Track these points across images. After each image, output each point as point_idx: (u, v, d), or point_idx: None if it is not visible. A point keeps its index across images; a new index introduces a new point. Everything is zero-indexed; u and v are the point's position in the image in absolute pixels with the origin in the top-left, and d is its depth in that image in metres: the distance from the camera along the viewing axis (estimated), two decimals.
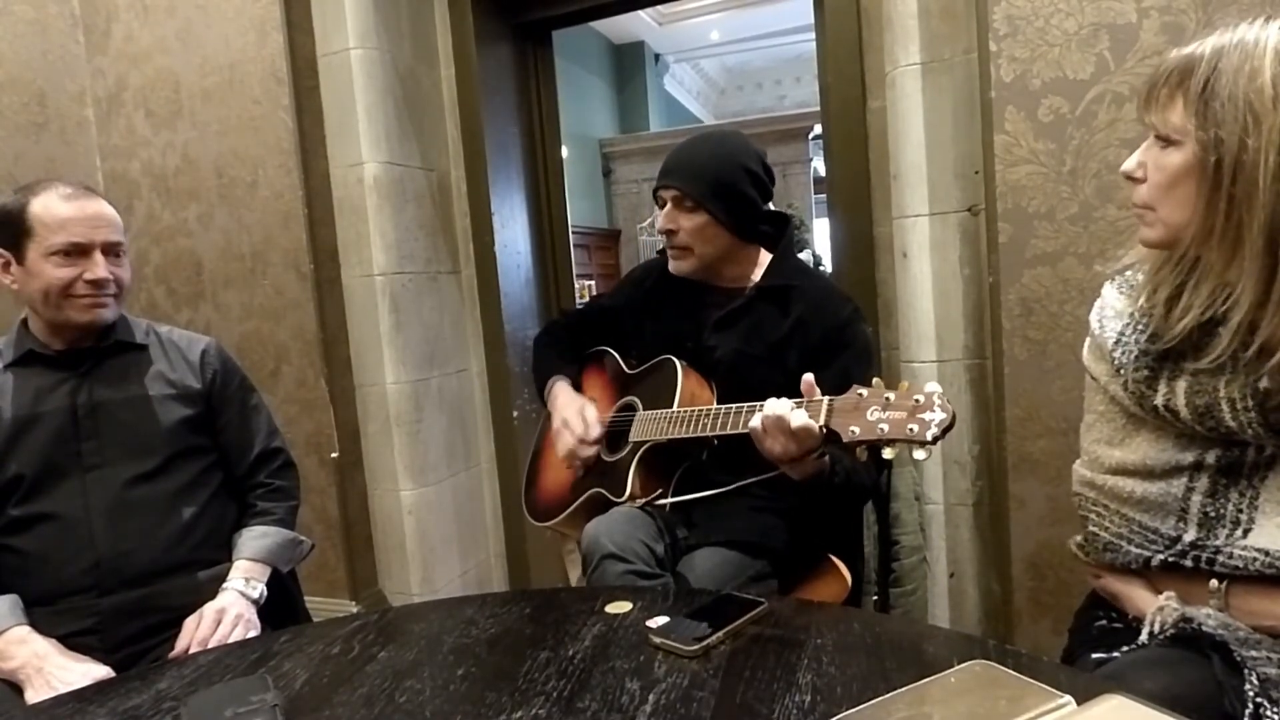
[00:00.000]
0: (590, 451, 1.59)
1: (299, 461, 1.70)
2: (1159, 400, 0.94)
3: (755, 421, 1.23)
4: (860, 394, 1.12)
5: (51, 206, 1.35)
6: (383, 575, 2.67)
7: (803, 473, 1.30)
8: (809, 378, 1.21)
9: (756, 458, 1.28)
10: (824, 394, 1.18)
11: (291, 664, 1.01)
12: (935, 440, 1.02)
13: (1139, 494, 0.97)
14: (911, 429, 1.04)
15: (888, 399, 1.08)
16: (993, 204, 1.78)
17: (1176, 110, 0.88)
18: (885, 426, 1.06)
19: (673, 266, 1.59)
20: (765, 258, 1.62)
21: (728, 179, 1.51)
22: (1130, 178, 0.97)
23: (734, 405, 1.33)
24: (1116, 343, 1.00)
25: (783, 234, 1.63)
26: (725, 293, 1.60)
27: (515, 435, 2.83)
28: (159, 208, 2.69)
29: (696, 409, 1.41)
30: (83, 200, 1.38)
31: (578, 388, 1.74)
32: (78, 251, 1.36)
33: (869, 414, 1.09)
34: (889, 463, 1.61)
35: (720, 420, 1.35)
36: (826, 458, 1.31)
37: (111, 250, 1.41)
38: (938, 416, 1.02)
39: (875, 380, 1.12)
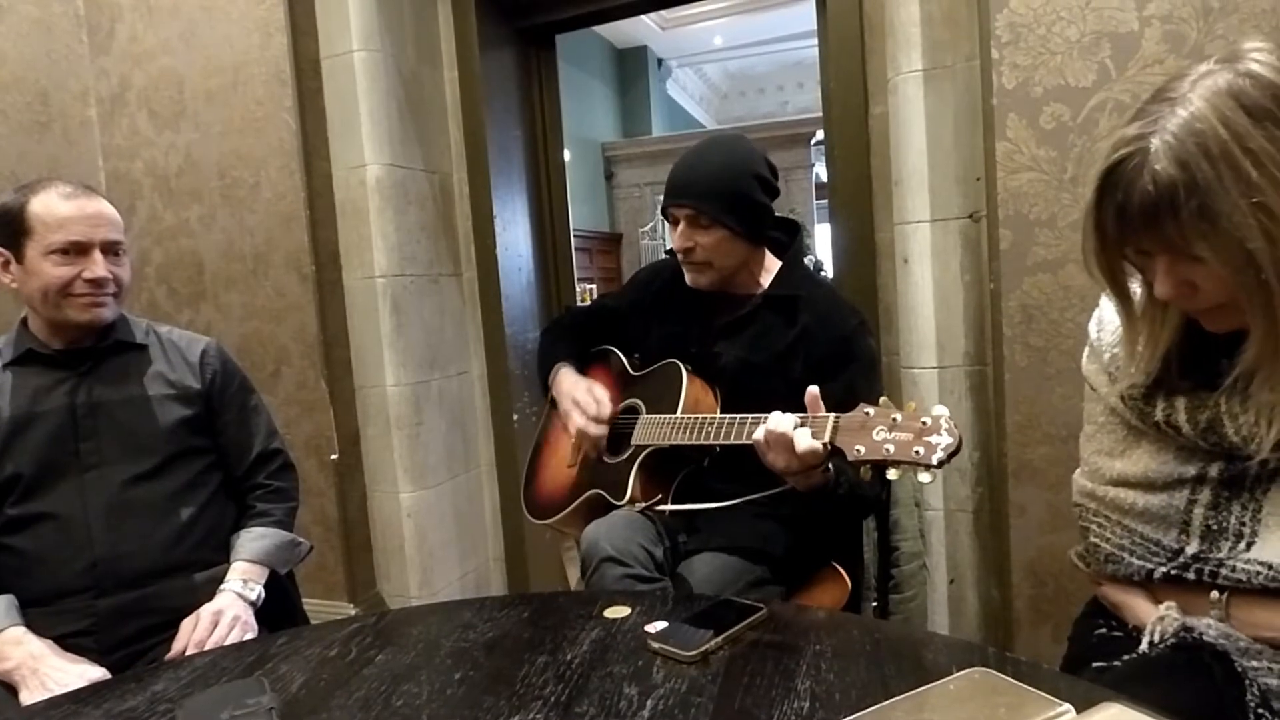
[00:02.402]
0: (601, 430, 1.57)
1: (298, 463, 1.70)
2: (1159, 416, 0.93)
3: (759, 434, 1.23)
4: (867, 413, 1.11)
5: (51, 205, 1.35)
6: (381, 578, 2.66)
7: (807, 484, 1.29)
8: (814, 391, 1.20)
9: (759, 467, 1.27)
10: (828, 407, 1.18)
11: (288, 666, 1.00)
12: (941, 464, 1.01)
13: (1140, 506, 0.96)
14: (917, 451, 1.03)
15: (894, 419, 1.07)
16: (994, 211, 1.78)
17: (1188, 239, 0.80)
18: (891, 447, 1.06)
19: (691, 281, 1.57)
20: (774, 264, 1.61)
21: (741, 190, 1.49)
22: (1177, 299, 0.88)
23: (738, 415, 1.32)
24: (1113, 358, 1.00)
25: (793, 241, 1.63)
26: (732, 299, 1.60)
27: (515, 438, 2.83)
28: (161, 208, 2.69)
29: (700, 416, 1.41)
30: (82, 199, 1.38)
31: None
32: (77, 250, 1.36)
33: (875, 434, 1.08)
34: None
35: (724, 430, 1.34)
36: (830, 469, 1.31)
37: (111, 249, 1.41)
38: (944, 440, 1.02)
39: (883, 399, 1.11)
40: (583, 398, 1.59)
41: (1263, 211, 0.76)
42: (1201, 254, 0.79)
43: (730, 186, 1.48)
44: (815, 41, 2.49)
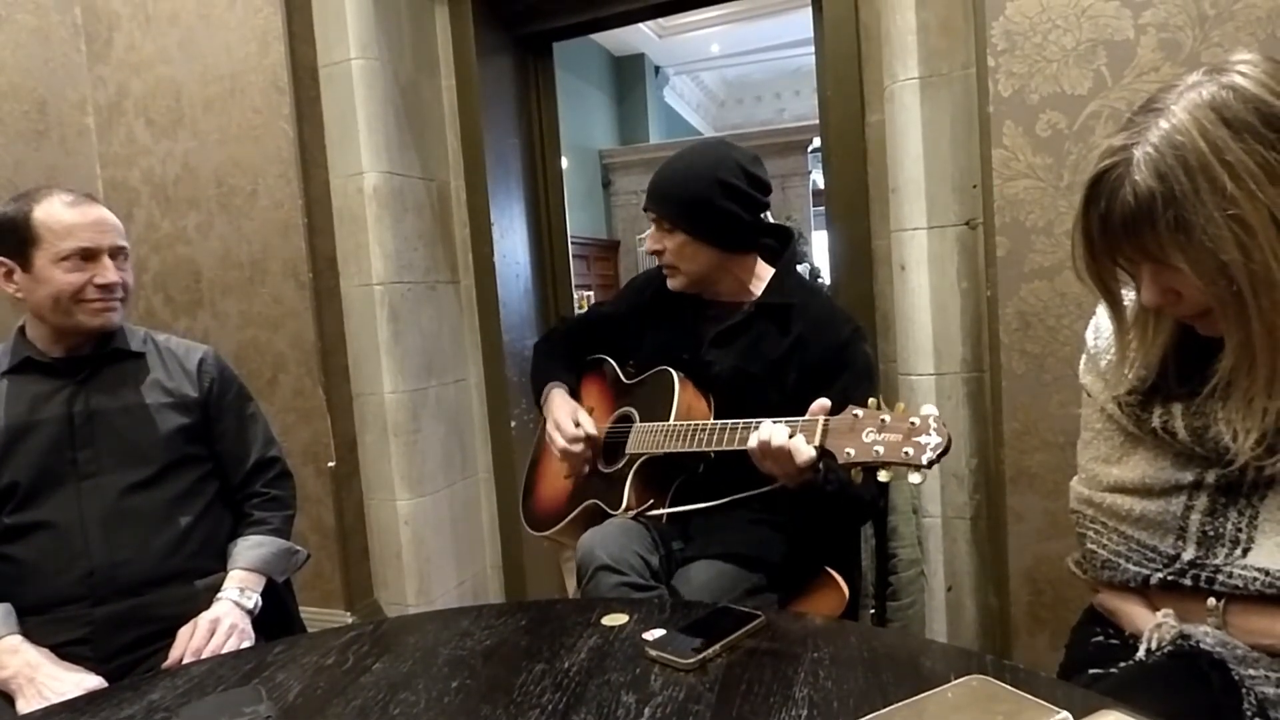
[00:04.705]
0: (580, 449, 1.59)
1: (295, 471, 1.70)
2: (1156, 422, 0.93)
3: (752, 442, 1.23)
4: (856, 415, 1.11)
5: (56, 213, 1.36)
6: (378, 586, 2.66)
7: (798, 481, 1.30)
8: (823, 403, 1.20)
9: (754, 472, 1.28)
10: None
11: (285, 675, 1.00)
12: (931, 464, 1.01)
13: (1137, 512, 0.96)
14: (907, 452, 1.02)
15: (883, 421, 1.07)
16: (990, 218, 1.78)
17: (1165, 249, 0.81)
18: (880, 449, 1.05)
19: (669, 284, 1.60)
20: (767, 271, 1.61)
21: (699, 196, 1.49)
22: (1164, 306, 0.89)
23: (730, 422, 1.33)
24: (1109, 364, 1.00)
25: (785, 248, 1.63)
26: (724, 307, 1.60)
27: (513, 445, 2.82)
28: (158, 216, 2.69)
29: (694, 423, 1.41)
30: (85, 206, 1.39)
31: (575, 395, 1.74)
32: (88, 257, 1.37)
33: (864, 436, 1.08)
34: None
35: (717, 436, 1.34)
36: (820, 467, 1.31)
37: (118, 255, 1.42)
38: (933, 440, 1.01)
39: (871, 400, 1.11)
40: (564, 422, 1.61)
41: (1238, 224, 0.77)
42: (1178, 264, 0.80)
43: (688, 192, 1.50)
44: (812, 50, 2.50)
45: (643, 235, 8.94)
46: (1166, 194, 0.79)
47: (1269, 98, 0.78)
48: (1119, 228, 0.83)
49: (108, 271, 1.39)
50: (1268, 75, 0.80)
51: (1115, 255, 0.87)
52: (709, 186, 1.50)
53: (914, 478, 1.03)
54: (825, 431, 1.15)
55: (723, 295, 1.61)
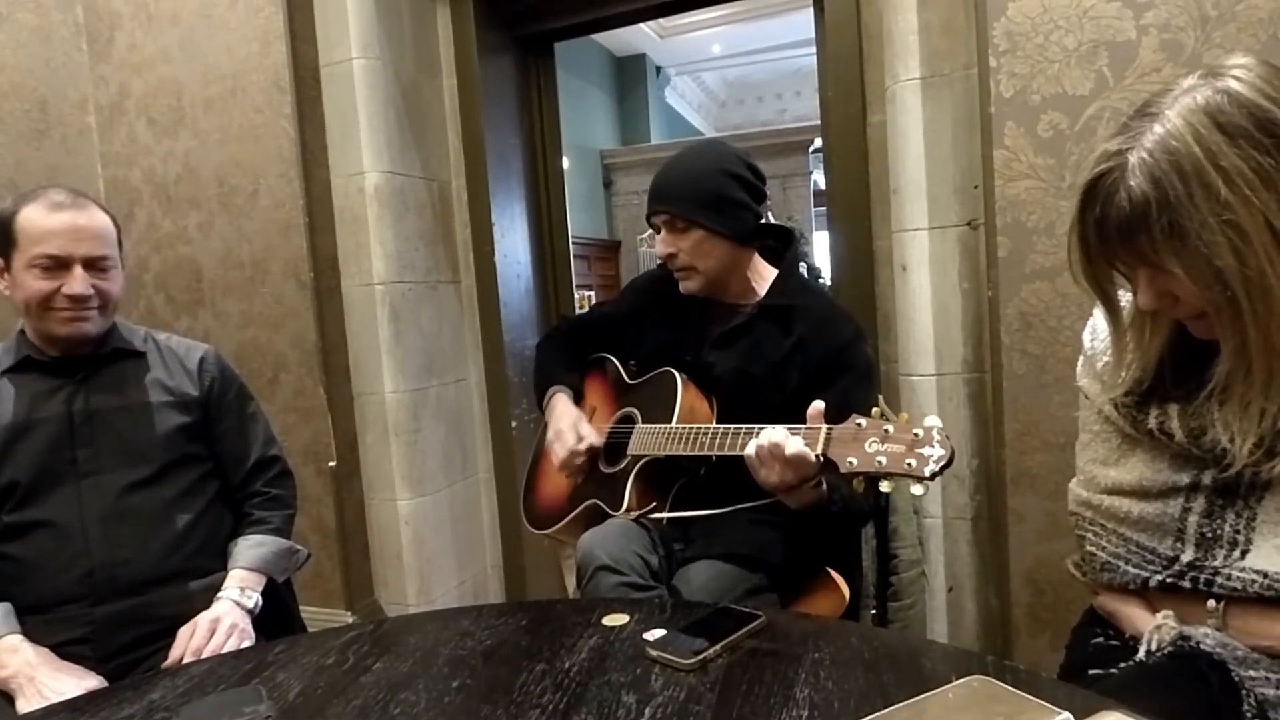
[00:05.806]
0: (580, 461, 1.59)
1: (296, 470, 1.70)
2: (1153, 423, 0.93)
3: (751, 448, 1.22)
4: (859, 424, 1.10)
5: (35, 217, 1.33)
6: (379, 585, 2.66)
7: (800, 501, 1.29)
8: (818, 407, 1.19)
9: (754, 478, 1.27)
10: (825, 417, 1.17)
11: (285, 675, 1.00)
12: (933, 477, 1.01)
13: (1136, 514, 0.96)
14: (910, 464, 1.02)
15: (887, 431, 1.06)
16: (992, 218, 1.78)
17: (1160, 254, 0.81)
18: (883, 459, 1.05)
19: (683, 288, 1.58)
20: (770, 272, 1.61)
21: (711, 188, 1.50)
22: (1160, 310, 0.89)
23: (732, 426, 1.32)
24: (1106, 365, 1.00)
25: (787, 249, 1.63)
26: (728, 308, 1.60)
27: (513, 445, 2.82)
28: (159, 215, 2.70)
29: (695, 427, 1.41)
30: (71, 211, 1.35)
31: (579, 396, 1.74)
32: (57, 265, 1.34)
33: (867, 445, 1.07)
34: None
35: (718, 441, 1.34)
36: (824, 486, 1.30)
37: (95, 264, 1.38)
38: (936, 452, 1.01)
39: (875, 410, 1.10)
40: (566, 432, 1.60)
41: (1232, 229, 0.77)
42: (1173, 269, 0.81)
43: (701, 185, 1.50)
44: (814, 50, 2.50)
45: (644, 235, 8.93)
46: (1161, 199, 0.78)
47: (1264, 103, 0.78)
48: (1114, 233, 0.83)
49: (75, 282, 1.34)
50: (1263, 80, 0.79)
51: (1111, 260, 0.87)
52: (719, 177, 1.51)
53: (916, 489, 1.03)
54: (828, 440, 1.14)
55: (729, 297, 1.60)
